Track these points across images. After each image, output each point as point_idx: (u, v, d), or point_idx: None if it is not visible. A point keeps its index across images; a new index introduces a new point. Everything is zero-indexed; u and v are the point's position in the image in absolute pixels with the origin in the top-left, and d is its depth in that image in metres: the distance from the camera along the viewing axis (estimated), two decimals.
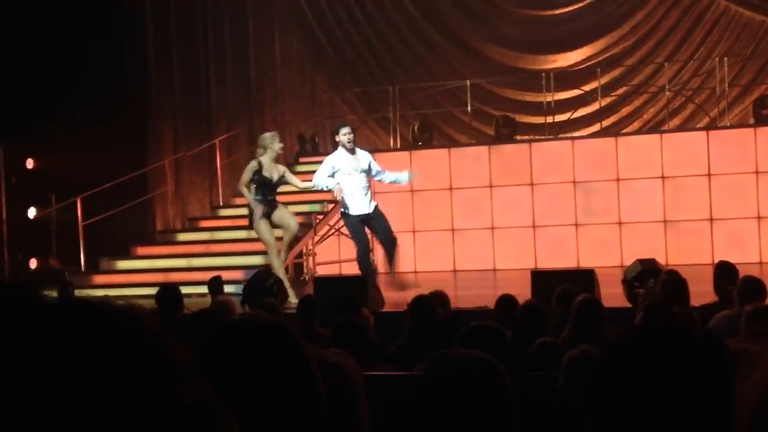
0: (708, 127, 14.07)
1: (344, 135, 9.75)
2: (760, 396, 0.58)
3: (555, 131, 14.92)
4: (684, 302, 5.88)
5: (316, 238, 13.03)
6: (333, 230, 13.61)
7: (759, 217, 12.89)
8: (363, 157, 9.91)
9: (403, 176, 10.21)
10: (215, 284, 8.24)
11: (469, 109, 15.40)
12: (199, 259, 12.22)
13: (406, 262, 14.19)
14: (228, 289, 8.94)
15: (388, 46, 16.98)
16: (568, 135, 14.69)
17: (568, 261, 13.07)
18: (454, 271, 13.89)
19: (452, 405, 2.01)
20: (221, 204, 14.35)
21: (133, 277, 11.81)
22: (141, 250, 12.84)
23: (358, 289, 7.81)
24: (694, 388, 1.17)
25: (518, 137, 14.72)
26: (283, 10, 16.77)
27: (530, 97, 16.28)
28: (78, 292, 10.22)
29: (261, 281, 8.52)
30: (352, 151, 9.77)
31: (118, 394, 0.64)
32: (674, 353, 1.20)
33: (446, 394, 2.01)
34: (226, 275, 9.32)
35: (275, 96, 16.42)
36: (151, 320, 0.72)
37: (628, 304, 7.35)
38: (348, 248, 13.87)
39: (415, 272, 13.90)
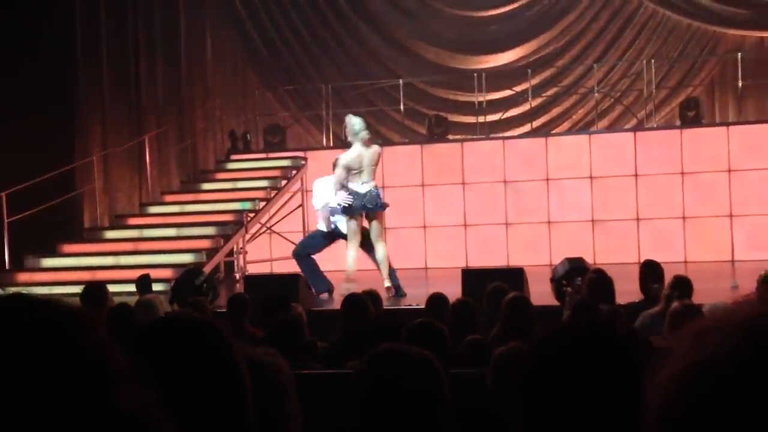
0: (635, 129, 14.34)
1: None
2: (665, 390, 0.59)
3: (487, 131, 15.05)
4: (610, 300, 5.98)
5: (248, 237, 12.95)
6: (265, 228, 13.53)
7: (684, 218, 13.17)
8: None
9: None
10: (143, 283, 8.13)
11: (401, 108, 15.45)
12: (127, 257, 12.03)
13: (338, 260, 14.18)
14: (157, 287, 8.82)
15: (321, 43, 16.94)
16: (500, 135, 14.83)
17: (498, 260, 13.19)
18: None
19: (391, 400, 2.01)
20: (150, 201, 14.16)
21: (59, 275, 11.57)
22: (67, 248, 12.60)
23: (289, 287, 7.77)
24: (617, 384, 1.19)
25: (450, 137, 14.81)
26: (215, 5, 16.61)
27: (462, 96, 16.39)
28: (1, 291, 9.98)
29: (190, 279, 8.43)
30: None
31: (52, 395, 0.62)
32: (598, 350, 1.22)
33: (386, 388, 2.02)
34: (155, 274, 9.19)
35: (206, 92, 16.26)
36: (89, 321, 0.70)
37: (557, 302, 7.45)
38: (280, 247, 13.82)
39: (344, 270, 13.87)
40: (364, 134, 9.68)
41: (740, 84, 14.35)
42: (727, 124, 13.80)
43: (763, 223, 12.73)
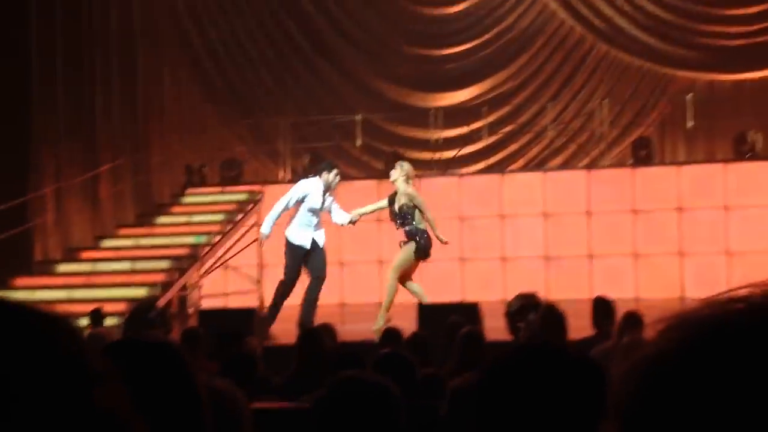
0: (588, 167, 14.56)
1: (335, 176, 9.79)
2: (617, 385, 0.62)
3: (442, 168, 15.17)
4: (562, 336, 6.05)
5: (203, 271, 12.88)
6: (220, 263, 13.47)
7: (635, 255, 13.36)
8: (328, 200, 9.89)
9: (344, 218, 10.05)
10: (95, 316, 8.05)
11: (358, 143, 15.53)
12: (79, 290, 11.90)
13: (294, 295, 14.13)
14: (110, 321, 8.74)
15: (278, 79, 17.01)
16: (455, 171, 14.96)
17: (453, 295, 13.24)
18: (342, 304, 13.90)
19: (350, 426, 2.04)
20: (105, 235, 14.03)
21: None
22: (19, 282, 12.43)
23: (244, 321, 7.75)
24: (570, 405, 1.23)
25: None
26: (172, 40, 16.63)
27: (419, 133, 16.53)
28: None
29: (143, 313, 8.36)
30: (328, 193, 9.74)
31: (30, 393, 0.64)
32: (551, 372, 1.26)
33: (346, 415, 2.04)
34: (108, 307, 9.12)
35: (163, 127, 16.22)
36: (67, 324, 0.72)
37: (510, 337, 7.50)
38: (235, 281, 13.76)
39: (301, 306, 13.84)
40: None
41: (690, 124, 14.65)
42: (678, 164, 14.07)
43: (712, 262, 12.95)
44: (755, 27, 15.30)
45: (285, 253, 9.80)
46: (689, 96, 14.65)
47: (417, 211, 9.60)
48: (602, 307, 6.90)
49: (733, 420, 0.55)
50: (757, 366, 0.56)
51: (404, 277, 9.74)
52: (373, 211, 10.35)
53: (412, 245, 9.63)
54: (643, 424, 0.58)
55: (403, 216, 9.60)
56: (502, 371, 1.29)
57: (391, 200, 9.82)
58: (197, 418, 1.33)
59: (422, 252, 9.62)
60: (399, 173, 9.71)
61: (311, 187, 9.75)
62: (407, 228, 9.61)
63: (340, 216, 9.98)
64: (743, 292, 0.60)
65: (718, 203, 13.15)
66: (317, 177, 9.83)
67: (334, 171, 9.82)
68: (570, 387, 1.23)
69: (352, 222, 9.96)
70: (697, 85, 15.70)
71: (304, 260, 9.68)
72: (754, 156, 13.50)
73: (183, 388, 1.33)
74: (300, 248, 9.65)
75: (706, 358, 0.57)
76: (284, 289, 9.59)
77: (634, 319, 6.09)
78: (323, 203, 9.77)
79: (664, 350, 0.59)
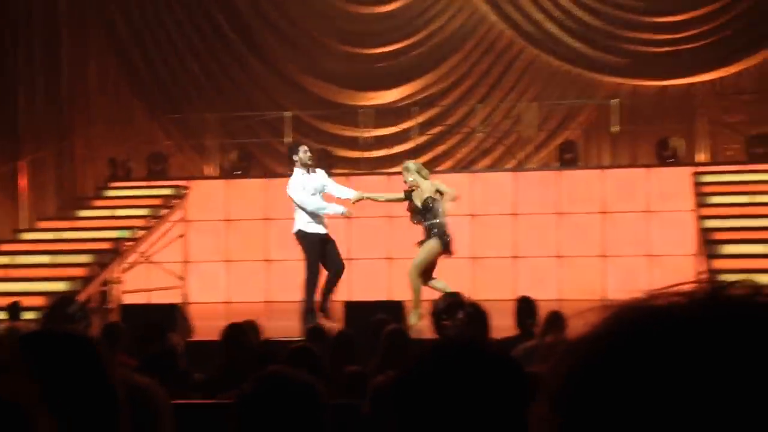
0: (515, 169, 14.71)
1: (305, 153, 9.47)
2: (549, 370, 0.62)
3: (371, 166, 15.17)
4: (485, 334, 6.09)
5: (125, 266, 12.68)
6: (142, 258, 13.27)
7: (559, 256, 13.54)
8: (320, 175, 9.62)
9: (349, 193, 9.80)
10: (13, 310, 7.86)
11: (287, 140, 15.44)
12: None
13: (218, 292, 14.02)
14: (29, 315, 8.53)
15: (207, 73, 16.82)
16: (385, 171, 14.98)
17: (380, 293, 13.25)
18: (268, 301, 13.81)
19: (273, 422, 2.01)
20: (24, 227, 13.70)
21: None
22: None
23: (166, 316, 7.64)
24: (488, 401, 1.22)
25: (335, 171, 14.86)
26: (98, 32, 16.32)
27: (349, 132, 16.51)
28: None
29: (62, 307, 8.18)
30: (311, 170, 9.46)
31: None
32: (468, 368, 1.25)
33: (269, 410, 2.02)
34: (27, 301, 8.90)
35: (88, 119, 15.90)
36: None
37: (436, 336, 7.53)
38: (159, 277, 13.56)
39: (228, 302, 13.75)
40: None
41: (615, 129, 14.91)
42: (602, 168, 14.31)
43: (634, 264, 13.20)
44: (680, 35, 15.65)
45: (303, 250, 9.54)
46: (614, 101, 14.92)
47: (440, 206, 9.45)
48: (526, 307, 6.98)
49: (662, 402, 0.55)
50: (689, 353, 0.57)
51: (427, 275, 9.65)
52: (384, 201, 10.17)
53: (435, 241, 9.54)
54: (573, 407, 0.58)
55: (427, 210, 9.49)
56: (420, 367, 1.28)
57: (408, 196, 9.63)
58: (111, 412, 1.29)
59: (447, 247, 9.51)
60: (413, 173, 9.57)
61: (299, 178, 9.55)
62: (430, 222, 9.50)
63: (343, 191, 9.80)
64: (686, 287, 0.61)
65: (640, 207, 13.41)
66: (295, 167, 9.57)
67: (301, 148, 9.65)
68: (487, 382, 1.24)
69: (358, 200, 9.72)
70: (623, 90, 15.99)
71: (322, 250, 9.41)
72: (675, 161, 13.80)
73: (97, 382, 1.29)
74: (316, 235, 9.46)
75: (639, 342, 0.58)
76: (312, 285, 9.39)
77: (556, 318, 6.17)
78: (318, 185, 9.56)
79: (599, 334, 0.59)
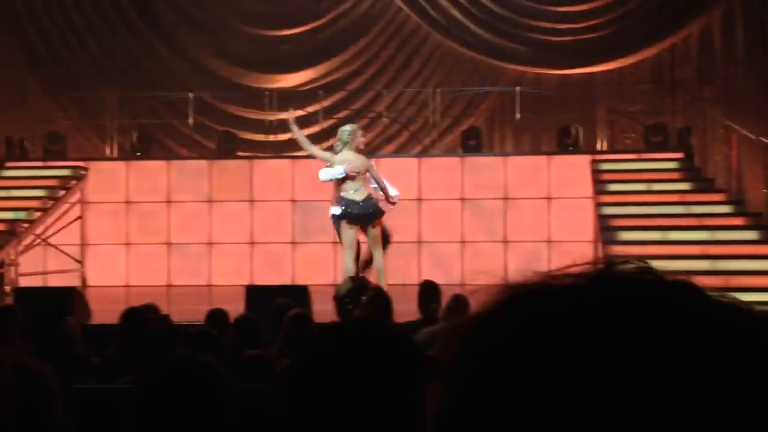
0: (420, 154, 14.81)
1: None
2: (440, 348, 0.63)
3: (276, 150, 15.07)
4: (388, 318, 6.13)
5: (21, 248, 12.33)
6: (39, 240, 12.93)
7: (462, 242, 13.70)
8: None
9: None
10: None
11: (190, 122, 15.21)
12: None
13: (118, 275, 13.74)
14: None
15: (107, 52, 16.42)
16: (290, 154, 14.90)
17: (284, 278, 13.22)
18: (168, 285, 13.62)
19: (177, 407, 1.98)
20: None
21: None
22: None
23: (63, 300, 7.46)
24: (385, 381, 1.22)
25: (240, 153, 14.72)
26: None
27: (253, 114, 16.36)
28: None
29: None
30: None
31: None
32: (365, 348, 1.25)
33: (173, 396, 1.98)
34: None
35: None
36: None
37: (339, 320, 7.54)
38: (55, 259, 13.22)
39: (127, 286, 13.50)
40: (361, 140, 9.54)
41: (518, 117, 15.14)
42: (505, 155, 14.52)
43: (534, 249, 13.44)
44: (581, 25, 15.96)
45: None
46: (517, 89, 15.13)
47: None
48: (428, 292, 7.04)
49: (550, 379, 0.56)
50: (571, 329, 0.57)
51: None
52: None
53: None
54: (466, 385, 0.58)
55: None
56: (317, 349, 1.27)
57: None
58: None
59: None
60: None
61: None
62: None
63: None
64: (577, 269, 0.62)
65: (541, 194, 13.66)
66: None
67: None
68: (386, 364, 1.24)
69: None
70: (526, 78, 16.23)
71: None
72: (575, 149, 14.09)
73: None
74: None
75: (524, 319, 0.59)
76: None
77: (459, 302, 6.24)
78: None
79: (487, 313, 0.60)
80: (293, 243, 13.82)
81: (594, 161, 13.52)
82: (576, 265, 0.63)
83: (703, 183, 13.31)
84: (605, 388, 0.55)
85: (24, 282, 11.91)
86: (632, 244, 11.56)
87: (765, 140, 13.24)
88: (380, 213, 9.61)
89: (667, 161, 13.56)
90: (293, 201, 13.89)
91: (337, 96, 16.61)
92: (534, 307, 0.59)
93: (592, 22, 15.84)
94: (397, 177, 13.89)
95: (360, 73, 16.80)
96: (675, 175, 13.32)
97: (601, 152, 14.70)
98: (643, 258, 0.64)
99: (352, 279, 8.05)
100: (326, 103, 15.98)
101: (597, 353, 0.56)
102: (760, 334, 0.58)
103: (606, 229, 12.06)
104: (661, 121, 14.46)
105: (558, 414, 0.55)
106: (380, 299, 6.37)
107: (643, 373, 0.55)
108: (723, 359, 0.56)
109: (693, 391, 0.55)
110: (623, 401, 0.54)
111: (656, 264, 0.64)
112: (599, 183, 13.07)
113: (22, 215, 12.46)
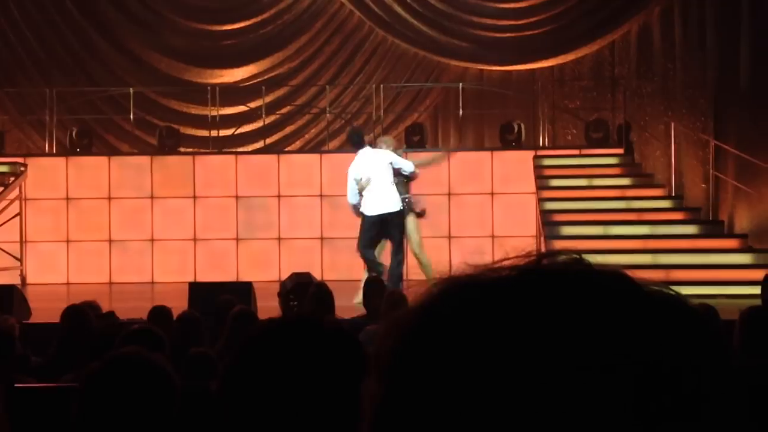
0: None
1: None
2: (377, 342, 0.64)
3: (219, 145, 14.97)
4: (330, 313, 6.12)
5: None
6: None
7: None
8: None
9: None
10: None
11: (131, 117, 15.03)
12: None
13: (58, 273, 13.53)
14: None
15: (45, 46, 16.14)
16: (233, 150, 14.80)
17: (228, 275, 13.12)
18: (110, 283, 13.45)
19: (122, 405, 1.96)
20: None
21: None
22: None
23: (2, 298, 7.32)
24: (324, 377, 1.23)
25: (182, 149, 14.59)
26: None
27: (195, 109, 16.22)
28: None
29: None
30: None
31: None
32: (305, 343, 1.26)
33: (120, 394, 1.97)
34: None
35: None
36: None
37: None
38: None
39: (68, 284, 13.30)
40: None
41: (461, 112, 15.22)
42: (448, 150, 14.58)
43: (478, 244, 13.52)
44: (522, 21, 16.09)
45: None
46: (460, 85, 15.21)
47: None
48: (373, 288, 7.05)
49: (485, 372, 0.57)
50: (511, 323, 0.58)
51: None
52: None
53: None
54: (403, 379, 0.58)
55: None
56: (255, 343, 1.28)
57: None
58: None
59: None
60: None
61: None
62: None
63: None
64: (513, 260, 0.63)
65: (485, 189, 13.75)
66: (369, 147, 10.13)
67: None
68: (323, 358, 1.24)
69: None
70: (469, 74, 16.32)
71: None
72: (518, 145, 14.21)
73: None
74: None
75: (455, 311, 0.60)
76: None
77: (395, 298, 6.24)
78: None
79: (421, 306, 0.61)
80: (237, 239, 13.73)
81: (536, 157, 13.65)
82: (510, 258, 0.64)
83: (643, 178, 13.52)
84: (531, 376, 0.56)
85: None
86: (574, 238, 11.70)
87: (704, 136, 13.50)
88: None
89: (608, 156, 13.75)
90: (237, 197, 13.80)
91: (280, 91, 16.53)
92: (464, 299, 0.59)
93: (533, 19, 15.98)
94: (341, 172, 13.89)
95: (303, 69, 16.75)
96: (615, 171, 13.51)
97: (543, 148, 14.85)
98: (577, 251, 0.66)
99: (296, 275, 8.04)
100: (269, 98, 15.90)
101: (525, 345, 0.57)
102: (688, 323, 0.59)
103: (548, 224, 12.19)
104: (602, 117, 14.66)
105: (487, 404, 0.56)
106: (323, 294, 6.37)
107: (567, 359, 0.56)
108: (652, 345, 0.57)
109: (619, 378, 0.56)
110: (548, 389, 0.55)
111: (598, 258, 0.65)
112: (541, 178, 13.20)
113: None
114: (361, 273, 12.66)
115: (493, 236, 13.64)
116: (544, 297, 0.59)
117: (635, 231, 11.92)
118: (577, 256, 0.63)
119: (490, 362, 0.56)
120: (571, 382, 0.55)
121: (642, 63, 15.55)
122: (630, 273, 0.63)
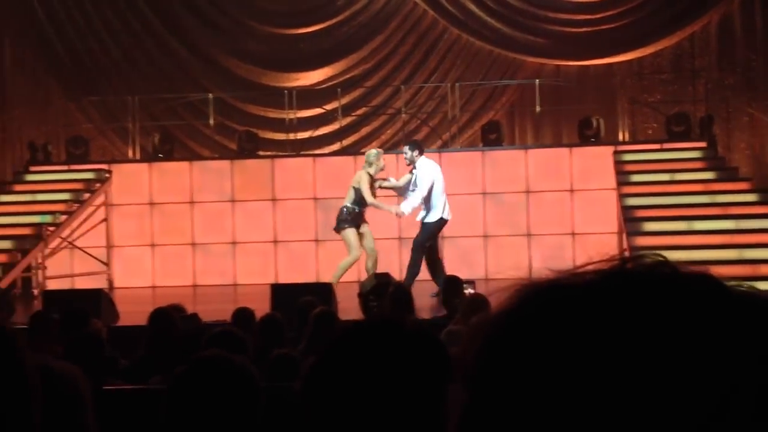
0: (440, 149, 14.78)
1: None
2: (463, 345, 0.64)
3: (297, 148, 15.11)
4: (410, 314, 6.13)
5: (47, 251, 12.43)
6: (65, 243, 13.03)
7: (485, 236, 13.67)
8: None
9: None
10: None
11: (211, 122, 15.27)
12: None
13: (144, 276, 13.83)
14: None
15: (128, 55, 16.51)
16: (310, 152, 14.93)
17: (308, 276, 13.23)
18: (194, 285, 13.69)
19: (208, 407, 2.00)
20: None
21: None
22: None
23: (91, 302, 7.51)
24: (408, 379, 1.23)
25: (261, 153, 14.77)
26: (15, 11, 15.87)
27: (273, 113, 16.40)
28: None
29: None
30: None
31: None
32: (388, 345, 1.26)
33: (205, 396, 2.01)
34: None
35: (4, 101, 15.49)
36: None
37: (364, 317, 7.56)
38: (81, 261, 13.32)
39: (153, 287, 13.58)
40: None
41: (538, 109, 15.08)
42: (526, 148, 14.46)
43: (559, 242, 13.39)
44: (599, 15, 15.87)
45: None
46: (537, 81, 15.07)
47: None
48: (452, 286, 7.04)
49: (573, 376, 0.57)
50: (598, 327, 0.58)
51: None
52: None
53: None
54: (489, 387, 0.58)
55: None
56: (339, 346, 1.28)
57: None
58: (23, 400, 1.26)
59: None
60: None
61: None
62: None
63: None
64: (597, 264, 0.63)
65: (563, 186, 13.60)
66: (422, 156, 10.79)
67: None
68: (407, 360, 1.24)
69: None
70: (545, 70, 16.17)
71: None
72: (597, 141, 14.02)
73: (8, 370, 1.26)
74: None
75: (540, 317, 0.59)
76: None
77: (477, 303, 6.21)
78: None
79: (505, 312, 0.61)
80: (316, 241, 13.84)
81: (616, 152, 13.45)
82: (593, 262, 0.63)
83: (727, 172, 13.21)
84: (621, 383, 0.55)
85: (51, 285, 12.01)
86: (657, 234, 11.50)
87: None
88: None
89: (690, 150, 13.46)
90: (315, 199, 13.91)
91: (356, 93, 16.61)
92: (549, 306, 0.59)
93: (609, 13, 15.75)
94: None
95: (378, 70, 16.80)
96: (698, 165, 13.22)
97: (623, 143, 14.62)
98: (668, 250, 0.65)
99: (376, 276, 8.07)
100: (345, 100, 15.99)
101: (612, 349, 0.56)
102: None
103: (630, 221, 11.99)
104: (683, 110, 14.36)
105: (576, 411, 0.55)
106: (401, 294, 6.38)
107: (656, 367, 0.56)
108: (739, 348, 0.56)
109: (707, 381, 0.55)
110: (640, 395, 0.55)
111: (682, 254, 0.65)
112: (622, 174, 13.00)
113: (48, 219, 12.56)
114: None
115: (573, 234, 13.49)
116: (631, 302, 0.58)
117: (720, 226, 11.64)
118: (662, 258, 0.62)
119: (578, 370, 0.56)
120: (660, 390, 0.55)
121: (723, 54, 15.20)
122: (715, 271, 0.62)
